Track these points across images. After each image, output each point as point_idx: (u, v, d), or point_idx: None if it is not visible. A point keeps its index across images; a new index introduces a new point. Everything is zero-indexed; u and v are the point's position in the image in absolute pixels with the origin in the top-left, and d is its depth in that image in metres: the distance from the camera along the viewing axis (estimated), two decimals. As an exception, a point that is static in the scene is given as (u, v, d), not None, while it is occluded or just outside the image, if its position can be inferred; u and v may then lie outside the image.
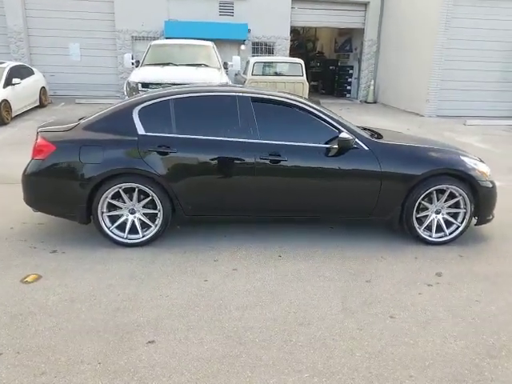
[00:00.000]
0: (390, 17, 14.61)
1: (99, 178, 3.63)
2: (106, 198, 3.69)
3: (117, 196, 3.73)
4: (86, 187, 3.65)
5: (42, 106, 11.33)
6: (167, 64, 8.55)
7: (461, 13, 11.66)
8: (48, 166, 3.68)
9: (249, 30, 13.96)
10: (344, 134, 3.74)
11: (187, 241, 3.97)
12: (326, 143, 3.84)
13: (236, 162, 3.74)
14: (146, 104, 3.81)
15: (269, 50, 14.59)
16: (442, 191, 3.96)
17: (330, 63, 17.78)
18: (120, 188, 3.69)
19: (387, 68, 14.78)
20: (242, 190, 3.79)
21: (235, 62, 9.33)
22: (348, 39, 16.79)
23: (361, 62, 15.70)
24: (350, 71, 16.37)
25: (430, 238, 4.05)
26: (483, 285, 3.36)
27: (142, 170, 3.67)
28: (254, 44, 14.47)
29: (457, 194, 3.97)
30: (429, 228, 4.06)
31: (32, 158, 3.77)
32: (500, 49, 11.92)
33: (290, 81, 10.83)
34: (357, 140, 3.82)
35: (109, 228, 3.79)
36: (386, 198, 3.88)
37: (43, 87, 11.52)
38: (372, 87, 15.25)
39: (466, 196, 3.95)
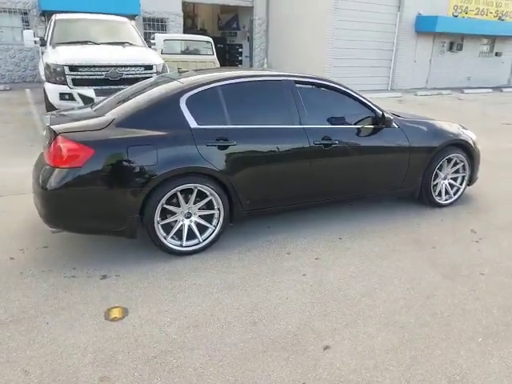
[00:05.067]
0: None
1: (155, 182, 3.10)
2: (162, 204, 3.19)
3: (170, 200, 3.25)
4: (139, 194, 3.08)
5: None
6: (85, 42, 7.41)
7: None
8: (86, 174, 2.98)
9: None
10: (387, 114, 3.91)
11: (235, 240, 3.68)
12: (365, 124, 3.96)
13: (294, 149, 3.59)
14: (192, 93, 3.34)
15: (161, 26, 13.63)
16: (449, 160, 4.46)
17: (218, 41, 17.52)
18: (178, 191, 3.22)
19: (280, 46, 15.30)
20: (298, 178, 3.68)
21: (158, 40, 8.54)
22: (234, 17, 16.75)
23: (252, 41, 15.90)
24: (240, 49, 16.47)
25: (441, 202, 4.55)
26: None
27: (202, 168, 3.25)
28: (145, 20, 13.30)
29: (459, 161, 4.53)
30: (439, 193, 4.55)
31: (55, 167, 3.00)
32: (377, 29, 13.44)
33: (201, 60, 10.49)
34: (391, 119, 4.03)
35: (165, 238, 3.29)
36: (412, 170, 4.21)
37: None
38: (266, 65, 15.65)
39: (466, 162, 4.53)
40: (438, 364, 2.30)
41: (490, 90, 17.12)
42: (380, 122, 3.94)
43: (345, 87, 3.95)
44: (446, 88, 16.56)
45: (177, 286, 2.98)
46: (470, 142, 4.52)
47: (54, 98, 6.90)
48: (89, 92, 6.84)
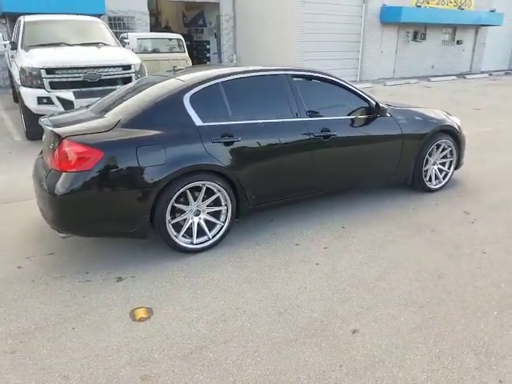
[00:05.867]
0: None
1: (165, 181, 3.09)
2: (172, 203, 3.19)
3: (177, 199, 3.25)
4: (150, 195, 3.07)
5: None
6: (58, 44, 7.20)
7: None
8: (96, 177, 2.94)
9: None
10: (382, 104, 4.03)
11: (241, 235, 3.72)
12: (360, 114, 4.07)
13: (295, 142, 3.65)
14: (195, 90, 3.34)
15: (128, 26, 13.36)
16: (438, 145, 4.64)
17: (184, 38, 17.27)
18: (187, 189, 3.23)
19: (249, 42, 15.30)
20: (300, 170, 3.74)
21: (131, 39, 8.38)
22: (200, 13, 16.60)
23: (220, 37, 15.82)
24: (208, 46, 16.36)
25: (432, 187, 4.73)
26: (502, 211, 4.17)
27: (210, 165, 3.26)
28: (110, 19, 13.00)
29: (447, 146, 4.71)
30: (430, 179, 4.72)
31: (61, 171, 2.95)
32: (344, 22, 13.67)
33: (172, 58, 10.39)
34: (384, 108, 4.16)
35: (176, 236, 3.30)
36: (405, 158, 4.35)
37: None
38: (235, 61, 15.63)
39: (453, 147, 4.72)
40: (462, 338, 2.42)
41: (455, 78, 17.75)
42: (374, 111, 4.06)
43: (339, 79, 4.04)
44: (413, 77, 17.06)
45: (195, 283, 2.99)
46: (456, 127, 4.71)
47: (31, 103, 6.71)
48: (68, 95, 6.69)
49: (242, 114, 3.47)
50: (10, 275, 3.08)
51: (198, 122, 3.27)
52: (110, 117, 3.26)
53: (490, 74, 19.20)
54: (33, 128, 6.92)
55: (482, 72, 19.81)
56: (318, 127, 3.74)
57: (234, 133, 3.37)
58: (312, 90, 3.93)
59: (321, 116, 3.83)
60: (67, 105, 6.60)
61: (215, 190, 3.36)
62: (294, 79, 3.78)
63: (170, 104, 3.26)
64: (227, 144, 3.34)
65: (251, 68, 3.71)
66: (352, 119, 4.01)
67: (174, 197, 3.16)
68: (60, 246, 3.51)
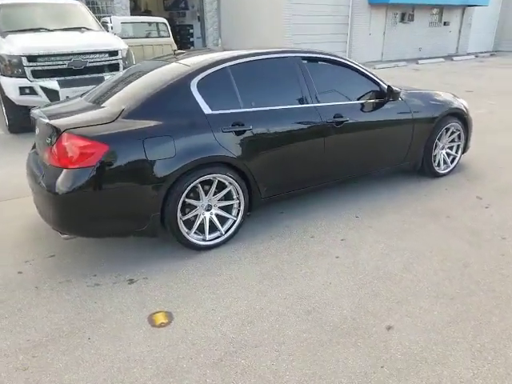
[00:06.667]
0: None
1: (176, 175, 2.89)
2: (183, 199, 3.00)
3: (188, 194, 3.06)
4: (160, 190, 2.87)
5: None
6: (38, 30, 6.79)
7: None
8: (102, 173, 2.72)
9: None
10: (395, 88, 3.88)
11: (252, 229, 3.56)
12: (371, 98, 3.91)
13: (307, 129, 3.47)
14: (202, 75, 3.13)
15: (107, 10, 12.81)
16: (447, 129, 4.53)
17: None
18: (198, 183, 3.04)
19: (235, 25, 14.89)
20: (312, 159, 3.58)
21: (115, 23, 7.98)
22: (182, -5, 16.11)
23: (204, 21, 15.36)
24: (191, 30, 15.89)
25: (440, 171, 4.62)
26: (514, 197, 4.10)
27: (222, 157, 3.07)
28: (88, 3, 12.41)
29: (455, 130, 4.60)
30: (438, 163, 4.61)
31: (62, 168, 2.72)
32: (332, 3, 13.41)
33: (157, 43, 10.04)
34: (396, 91, 4.00)
35: (187, 233, 3.12)
36: (416, 142, 4.23)
37: None
38: (220, 45, 15.23)
39: (462, 130, 4.62)
40: (501, 330, 2.33)
41: (442, 60, 17.72)
42: (386, 94, 3.91)
43: (349, 61, 3.87)
44: (401, 60, 16.96)
45: (213, 282, 2.83)
46: (465, 110, 4.60)
47: (12, 93, 6.35)
48: (52, 84, 6.35)
49: (252, 101, 3.28)
50: (11, 282, 2.86)
51: (206, 109, 3.07)
52: (111, 106, 3.03)
53: (477, 56, 19.25)
54: (15, 120, 6.59)
55: (468, 54, 19.85)
56: (330, 113, 3.58)
57: (245, 121, 3.18)
58: (322, 73, 3.74)
59: (332, 101, 3.66)
60: (52, 95, 6.27)
61: (227, 183, 3.18)
62: (305, 62, 3.59)
63: (177, 91, 3.04)
64: (238, 133, 3.15)
65: (258, 50, 3.50)
66: (364, 104, 3.85)
67: (185, 192, 2.97)
68: (60, 246, 3.29)
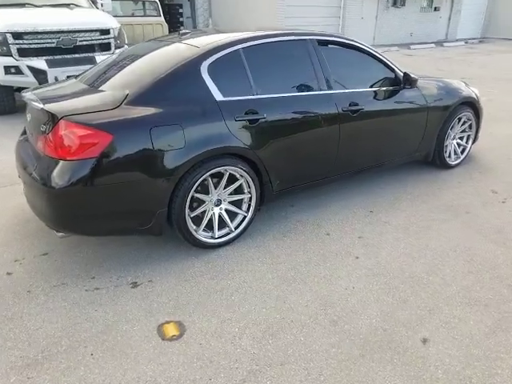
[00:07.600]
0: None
1: (185, 168, 2.61)
2: (191, 194, 2.72)
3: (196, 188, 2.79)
4: (168, 184, 2.59)
5: None
6: (23, 5, 6.30)
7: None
8: (104, 165, 2.41)
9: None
10: (412, 75, 3.63)
11: (262, 224, 3.32)
12: (386, 85, 3.66)
13: (323, 118, 3.21)
14: (213, 58, 2.82)
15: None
16: (459, 119, 4.32)
17: (154, 1, 16.20)
18: (208, 176, 2.77)
19: (226, 6, 14.37)
20: (327, 149, 3.33)
21: (105, 0, 7.49)
22: (169, -27, 15.42)
23: (194, 0, 14.75)
24: (180, 10, 15.27)
25: (451, 163, 4.44)
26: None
27: (235, 148, 2.79)
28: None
29: (467, 120, 4.40)
30: (449, 154, 4.42)
31: (59, 159, 2.41)
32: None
33: (147, 22, 9.57)
34: (412, 79, 3.76)
35: (196, 231, 2.85)
36: (429, 132, 4.02)
37: None
38: (210, 26, 14.70)
39: (473, 120, 4.42)
40: (545, 343, 2.15)
41: (433, 46, 17.52)
42: (402, 82, 3.66)
43: (365, 45, 3.60)
44: (393, 45, 16.70)
45: (225, 286, 2.58)
46: (477, 99, 4.40)
47: (-4, 73, 5.89)
48: (39, 63, 5.91)
49: (265, 87, 2.99)
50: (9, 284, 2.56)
51: (218, 96, 2.77)
52: (113, 91, 2.70)
53: (466, 42, 19.11)
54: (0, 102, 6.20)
55: (458, 40, 19.68)
56: (346, 100, 3.32)
57: (258, 109, 2.89)
58: (337, 57, 3.46)
59: (348, 88, 3.40)
60: (39, 75, 5.84)
61: (238, 176, 2.91)
62: (320, 45, 3.30)
63: (186, 75, 2.73)
64: (252, 122, 2.86)
65: (272, 32, 3.19)
66: (379, 91, 3.59)
67: (195, 186, 2.70)
68: (53, 244, 3.00)
